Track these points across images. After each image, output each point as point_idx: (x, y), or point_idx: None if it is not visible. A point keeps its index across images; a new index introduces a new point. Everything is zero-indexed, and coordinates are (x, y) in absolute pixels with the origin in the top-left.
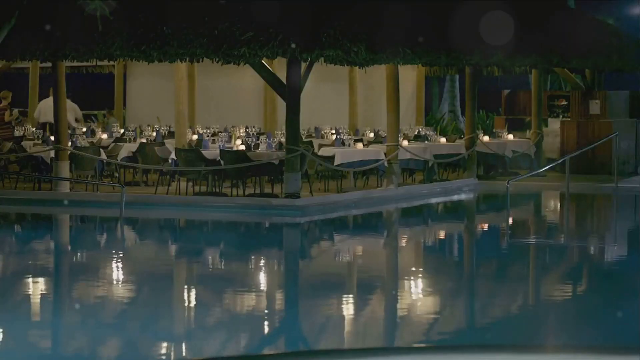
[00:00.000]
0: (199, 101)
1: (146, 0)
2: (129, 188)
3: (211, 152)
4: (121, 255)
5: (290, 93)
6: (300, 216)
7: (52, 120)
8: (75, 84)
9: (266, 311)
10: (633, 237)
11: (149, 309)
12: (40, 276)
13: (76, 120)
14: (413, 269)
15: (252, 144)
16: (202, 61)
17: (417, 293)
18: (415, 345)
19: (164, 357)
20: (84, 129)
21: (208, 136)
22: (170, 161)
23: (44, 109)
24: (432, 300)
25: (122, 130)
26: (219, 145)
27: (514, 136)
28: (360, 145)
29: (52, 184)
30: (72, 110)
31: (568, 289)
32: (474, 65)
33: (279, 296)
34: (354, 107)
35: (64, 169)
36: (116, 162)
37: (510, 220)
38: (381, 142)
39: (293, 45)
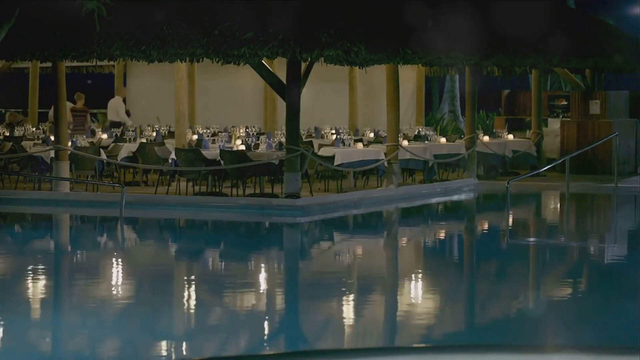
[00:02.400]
0: (199, 101)
1: (146, 0)
2: (129, 188)
3: (211, 152)
4: (121, 255)
5: (290, 93)
6: (300, 216)
7: (118, 119)
8: (75, 84)
9: (266, 311)
10: (633, 237)
11: (148, 308)
12: (40, 276)
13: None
14: (413, 269)
15: (252, 144)
16: (202, 61)
17: (417, 293)
18: (415, 345)
19: (164, 357)
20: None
21: (208, 136)
22: (170, 161)
23: (111, 108)
24: (432, 300)
25: (122, 130)
26: (219, 145)
27: (514, 136)
28: (360, 145)
29: (52, 184)
30: (116, 107)
31: (568, 289)
32: (474, 65)
33: (279, 296)
34: (354, 107)
35: (64, 169)
36: (116, 162)
37: (510, 221)
38: (381, 142)
39: (293, 46)
